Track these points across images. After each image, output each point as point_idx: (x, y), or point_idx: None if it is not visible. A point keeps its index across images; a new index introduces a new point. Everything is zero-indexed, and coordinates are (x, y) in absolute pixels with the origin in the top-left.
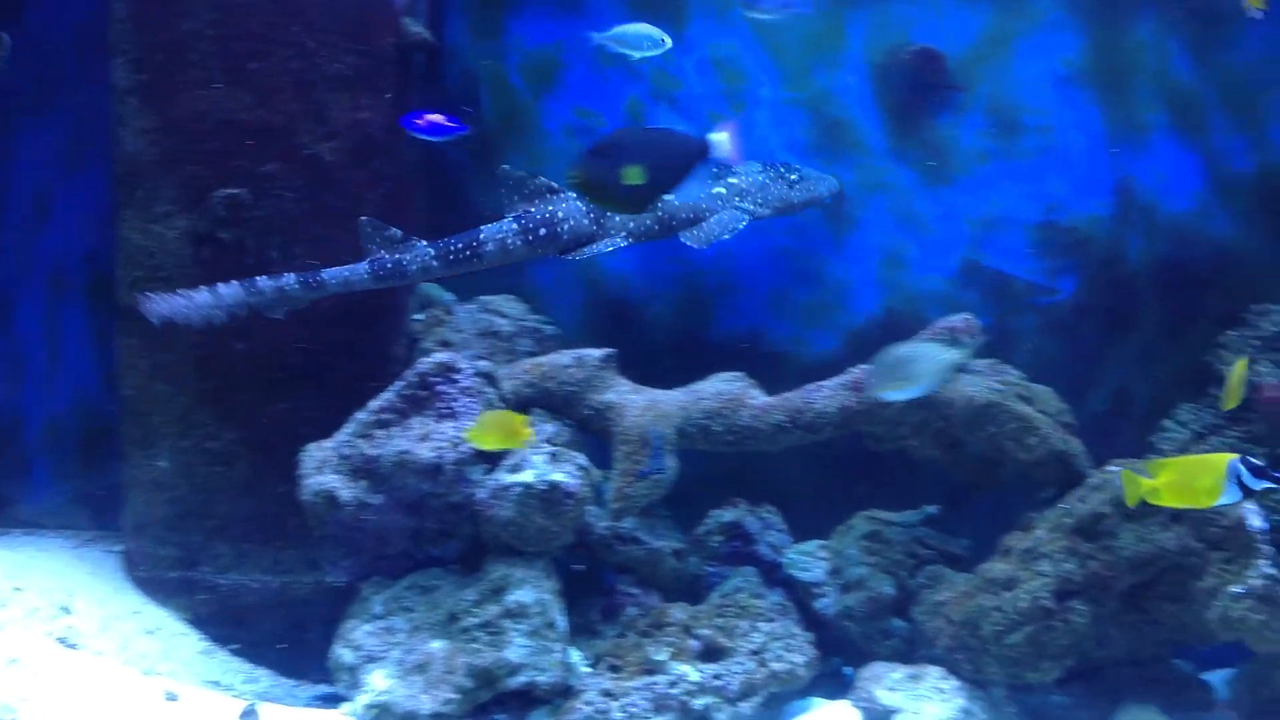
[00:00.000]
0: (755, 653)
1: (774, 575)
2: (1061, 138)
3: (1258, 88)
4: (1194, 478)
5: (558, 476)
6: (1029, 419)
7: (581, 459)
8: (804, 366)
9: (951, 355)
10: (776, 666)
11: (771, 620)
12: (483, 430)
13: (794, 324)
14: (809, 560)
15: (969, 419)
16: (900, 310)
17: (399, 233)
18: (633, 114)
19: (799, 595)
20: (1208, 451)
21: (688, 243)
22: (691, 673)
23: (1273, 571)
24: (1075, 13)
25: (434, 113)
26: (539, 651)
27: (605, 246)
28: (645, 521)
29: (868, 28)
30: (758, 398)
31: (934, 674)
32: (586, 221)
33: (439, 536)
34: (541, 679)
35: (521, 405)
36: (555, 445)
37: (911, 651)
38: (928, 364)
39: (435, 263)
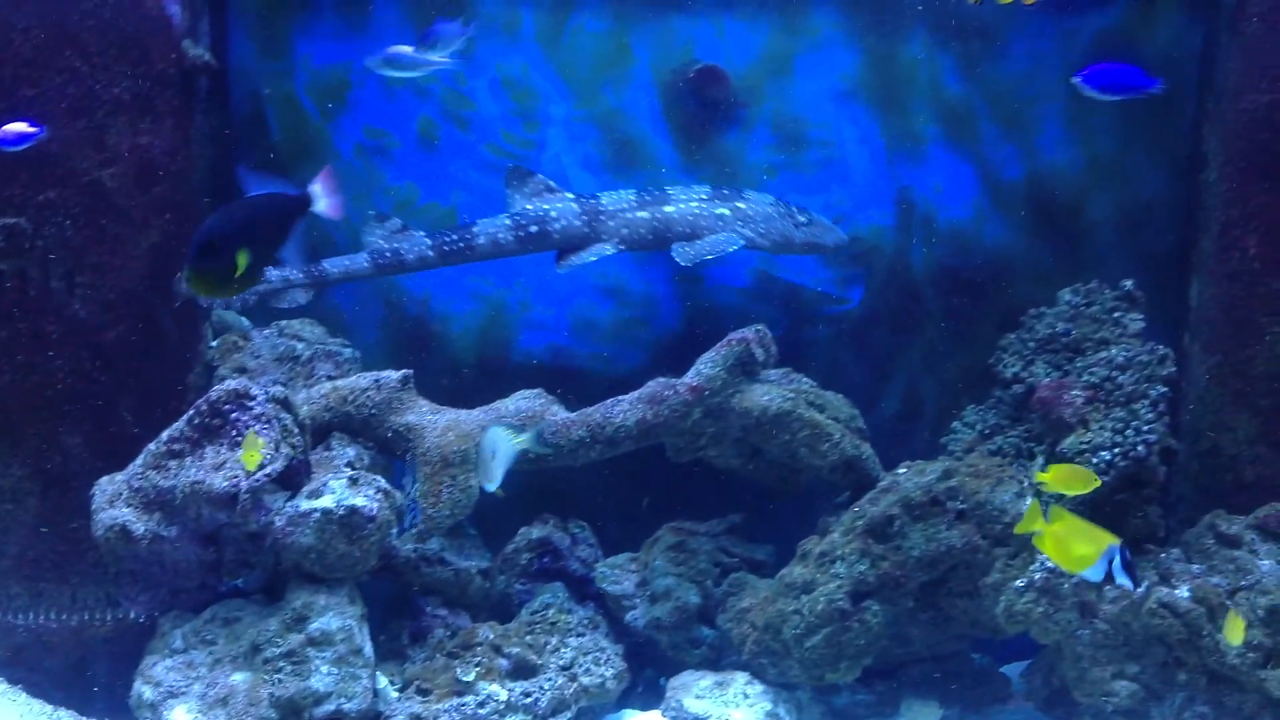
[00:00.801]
0: (565, 668)
1: (585, 590)
2: (843, 151)
3: (1024, 100)
4: (1076, 541)
5: (358, 501)
6: (821, 426)
7: (382, 482)
8: (611, 383)
9: (516, 441)
10: (586, 680)
11: (581, 635)
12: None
13: (599, 341)
14: (619, 573)
15: (764, 428)
16: (701, 324)
17: (399, 222)
18: (425, 133)
19: (610, 608)
20: (993, 450)
21: (676, 257)
22: (500, 692)
23: (1053, 565)
24: (850, 30)
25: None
26: (345, 679)
27: (596, 253)
28: (453, 542)
29: (653, 46)
30: (558, 414)
31: (740, 679)
32: (579, 223)
33: (239, 567)
34: (349, 706)
35: (321, 430)
36: (356, 469)
37: (720, 658)
38: (498, 450)
39: (431, 253)
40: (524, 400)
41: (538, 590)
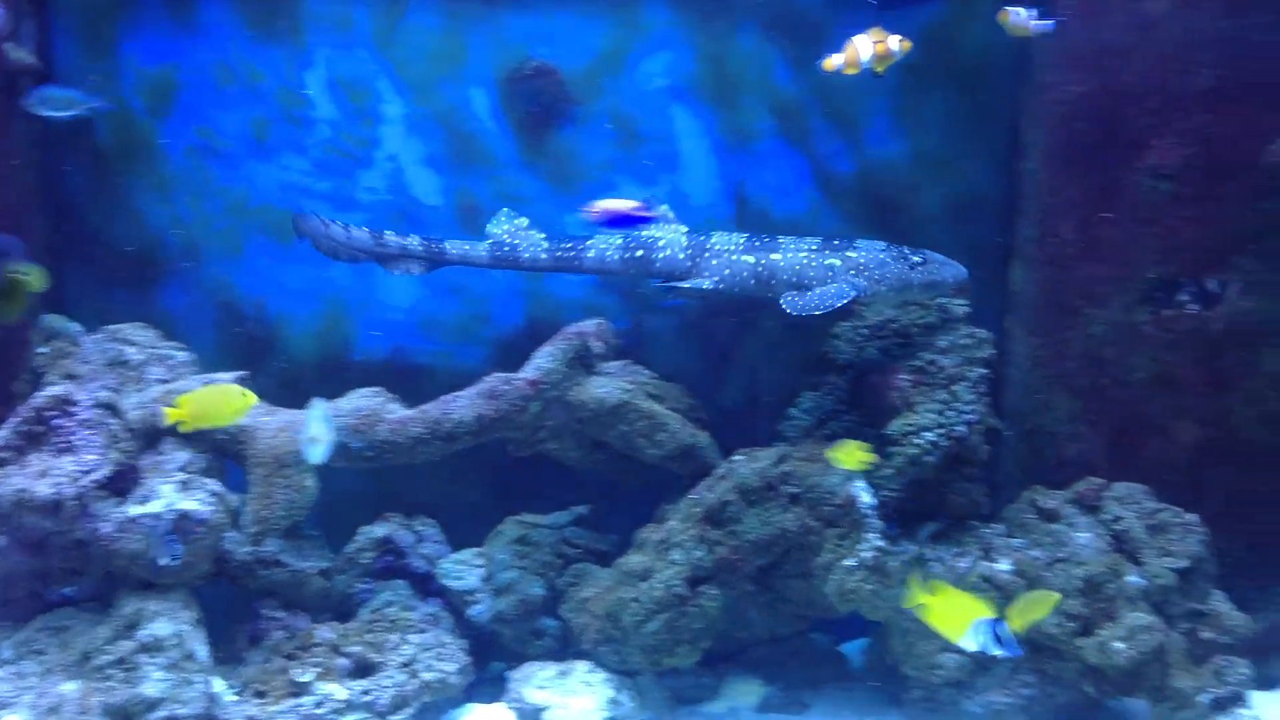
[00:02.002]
0: (406, 665)
1: (429, 586)
2: (679, 146)
3: (852, 94)
4: (955, 612)
5: (188, 505)
6: (658, 416)
7: (215, 485)
8: (453, 380)
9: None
10: (428, 676)
11: (423, 631)
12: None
13: (441, 339)
14: (463, 569)
15: (602, 419)
16: (542, 319)
17: (526, 220)
18: (258, 134)
19: (454, 604)
20: (829, 436)
21: (785, 306)
22: (339, 691)
23: (882, 544)
24: (683, 27)
25: None
26: (179, 684)
27: (693, 286)
28: (291, 543)
29: (489, 44)
30: (396, 411)
31: (582, 668)
32: (682, 257)
33: (67, 575)
34: (183, 712)
35: (151, 435)
36: (189, 473)
37: (565, 649)
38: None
39: (544, 255)
40: (361, 399)
41: (380, 589)
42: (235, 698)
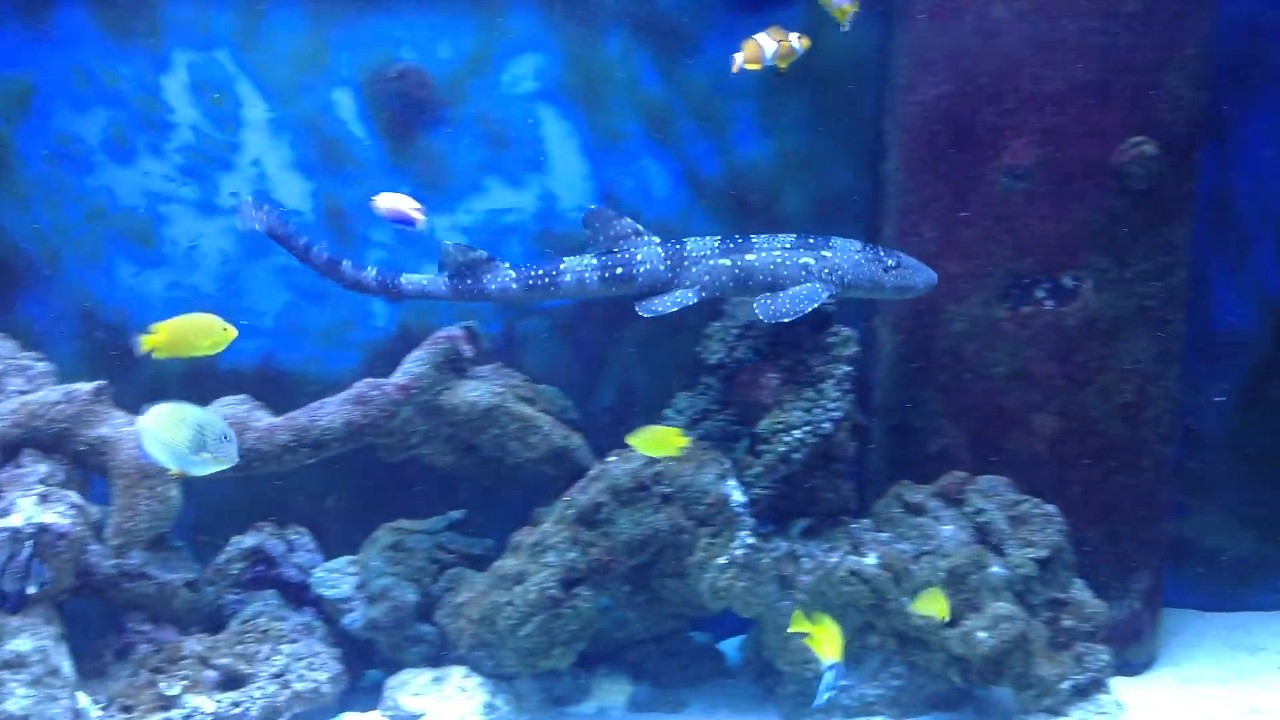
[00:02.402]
0: (277, 675)
1: (303, 596)
2: (548, 149)
3: (717, 97)
4: (827, 642)
5: (48, 518)
6: (530, 418)
7: (75, 497)
8: (323, 387)
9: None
10: (300, 687)
11: (295, 641)
12: None
13: (310, 345)
14: (337, 577)
15: (474, 423)
16: (414, 324)
17: (484, 254)
18: (117, 139)
19: (328, 613)
20: (702, 435)
21: (757, 311)
22: (207, 704)
23: (753, 541)
24: (550, 29)
25: None
26: (43, 700)
27: (677, 301)
28: (156, 555)
29: (353, 46)
30: (262, 419)
31: (458, 673)
32: (663, 269)
33: None
34: None
35: (10, 448)
36: (49, 485)
37: (441, 655)
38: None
39: (514, 285)
40: (226, 407)
41: (250, 600)
42: (101, 713)
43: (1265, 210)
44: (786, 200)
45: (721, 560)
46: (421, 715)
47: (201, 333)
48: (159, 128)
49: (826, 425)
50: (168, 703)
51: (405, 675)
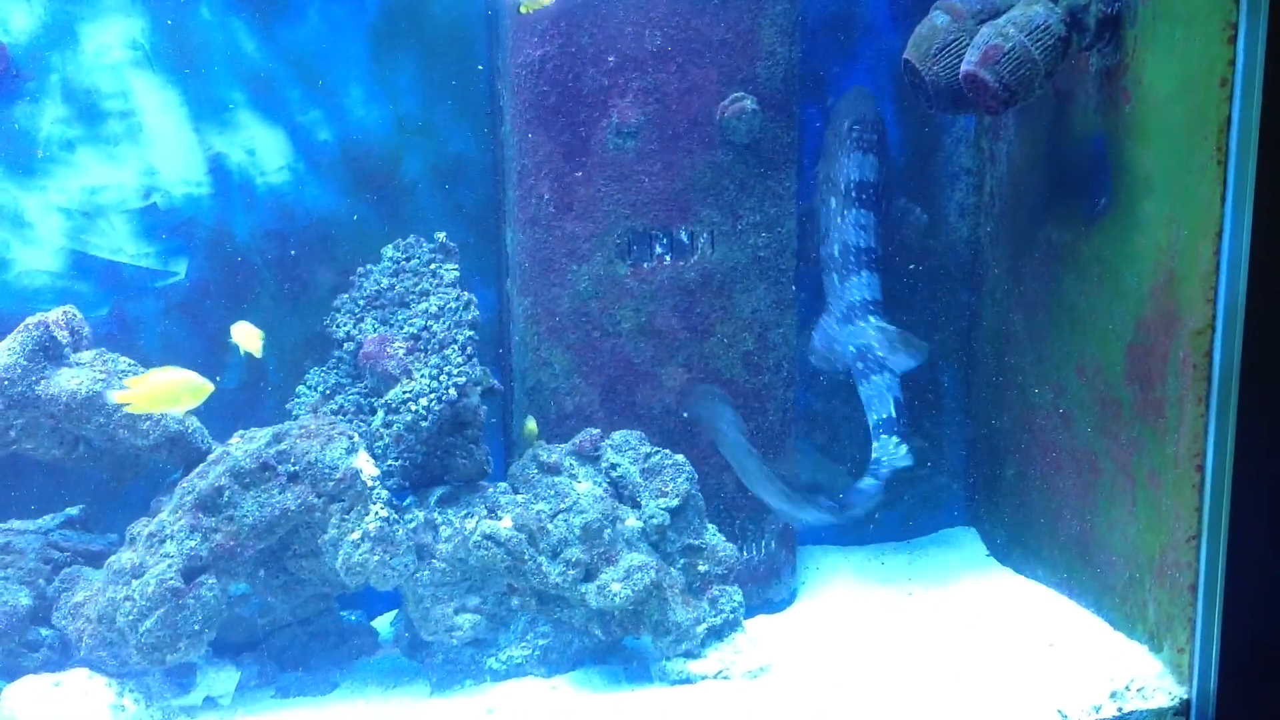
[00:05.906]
0: None
1: None
2: (146, 121)
3: (324, 62)
4: None
5: None
6: None
7: None
8: None
9: None
10: None
11: None
12: None
13: None
14: None
15: (76, 413)
16: (9, 312)
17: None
18: None
19: None
20: (336, 410)
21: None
22: None
23: (387, 514)
24: None
25: None
26: None
27: None
28: None
29: None
30: None
31: (79, 677)
32: None
33: None
34: None
35: None
36: None
37: (66, 659)
38: None
39: None
40: None
41: None
42: None
43: None
44: (407, 167)
45: (354, 536)
46: None
47: (180, 388)
48: None
49: (451, 391)
50: None
51: (24, 683)
